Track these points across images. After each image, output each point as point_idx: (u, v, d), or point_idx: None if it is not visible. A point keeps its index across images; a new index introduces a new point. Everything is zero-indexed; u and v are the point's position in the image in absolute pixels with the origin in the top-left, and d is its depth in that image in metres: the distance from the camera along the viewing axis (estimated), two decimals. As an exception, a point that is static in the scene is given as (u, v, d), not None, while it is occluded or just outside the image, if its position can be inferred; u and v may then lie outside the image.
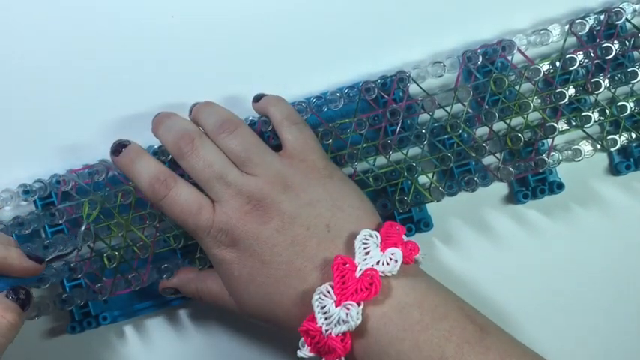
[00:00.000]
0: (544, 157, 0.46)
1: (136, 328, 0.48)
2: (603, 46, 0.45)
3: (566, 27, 0.46)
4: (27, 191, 0.45)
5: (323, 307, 0.38)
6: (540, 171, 0.46)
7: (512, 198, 0.48)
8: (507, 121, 0.46)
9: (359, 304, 0.37)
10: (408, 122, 0.46)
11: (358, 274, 0.38)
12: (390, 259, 0.39)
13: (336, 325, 0.37)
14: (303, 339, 0.39)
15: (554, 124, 0.46)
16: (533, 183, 0.47)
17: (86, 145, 0.47)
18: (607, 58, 0.45)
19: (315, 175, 0.42)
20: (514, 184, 0.48)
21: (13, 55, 0.47)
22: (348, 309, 0.37)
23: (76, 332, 0.47)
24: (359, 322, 0.37)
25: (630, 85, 0.46)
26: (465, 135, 0.46)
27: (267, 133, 0.46)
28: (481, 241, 0.48)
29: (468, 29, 0.47)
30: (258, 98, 0.45)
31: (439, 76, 0.45)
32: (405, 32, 0.47)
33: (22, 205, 0.47)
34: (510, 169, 0.46)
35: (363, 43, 0.47)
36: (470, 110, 0.46)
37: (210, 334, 0.49)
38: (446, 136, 0.46)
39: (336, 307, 0.37)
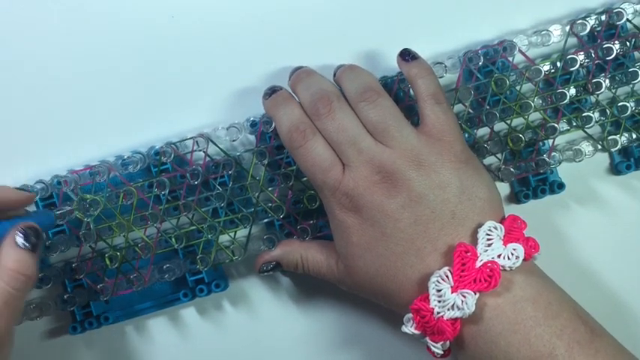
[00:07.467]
0: (545, 157, 0.46)
1: (137, 329, 0.48)
2: (604, 46, 0.45)
3: (567, 27, 0.46)
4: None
5: (439, 291, 0.38)
6: (541, 171, 0.46)
7: (514, 197, 0.48)
8: (508, 122, 0.46)
9: (475, 294, 0.38)
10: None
11: (478, 264, 0.38)
12: (512, 254, 0.39)
13: (449, 310, 0.38)
14: (409, 316, 0.40)
15: (555, 125, 0.46)
16: (534, 183, 0.47)
17: (87, 145, 0.47)
18: (608, 58, 0.45)
19: (450, 157, 0.41)
20: (515, 184, 0.48)
21: (14, 55, 0.47)
22: (464, 297, 0.38)
23: (77, 333, 0.46)
24: (473, 310, 0.38)
25: (631, 85, 0.46)
26: (467, 135, 0.46)
27: (268, 133, 0.46)
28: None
29: (468, 30, 0.47)
30: (407, 56, 0.44)
31: (440, 77, 0.45)
32: (406, 33, 0.47)
33: (23, 206, 0.47)
34: (511, 169, 0.46)
35: (363, 45, 0.47)
36: (471, 111, 0.46)
37: (212, 334, 0.49)
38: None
39: (452, 292, 0.38)
